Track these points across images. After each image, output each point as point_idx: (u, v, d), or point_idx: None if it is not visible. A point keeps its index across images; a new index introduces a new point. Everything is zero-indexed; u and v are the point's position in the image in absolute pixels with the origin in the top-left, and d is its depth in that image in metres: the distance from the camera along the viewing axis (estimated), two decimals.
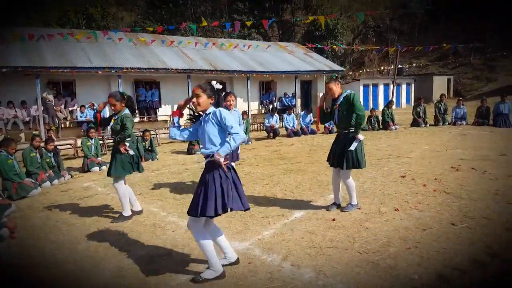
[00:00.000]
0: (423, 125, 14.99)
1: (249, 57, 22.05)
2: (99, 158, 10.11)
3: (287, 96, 21.72)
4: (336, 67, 25.28)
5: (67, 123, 15.80)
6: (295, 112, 18.11)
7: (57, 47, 16.05)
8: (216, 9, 49.51)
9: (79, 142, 13.82)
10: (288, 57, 24.05)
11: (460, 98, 15.86)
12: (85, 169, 9.65)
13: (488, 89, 29.27)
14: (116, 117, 5.36)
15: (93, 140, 10.15)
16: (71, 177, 8.99)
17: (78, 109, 15.66)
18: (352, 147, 5.03)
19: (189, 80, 18.10)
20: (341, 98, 5.14)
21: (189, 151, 11.91)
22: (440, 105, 15.17)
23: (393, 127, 14.84)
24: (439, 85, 29.87)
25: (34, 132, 9.54)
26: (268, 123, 15.42)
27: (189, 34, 29.57)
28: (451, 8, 33.15)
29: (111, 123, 5.40)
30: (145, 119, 17.85)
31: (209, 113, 3.47)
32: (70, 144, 13.03)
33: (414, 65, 36.92)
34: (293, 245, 4.23)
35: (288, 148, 11.99)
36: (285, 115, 15.84)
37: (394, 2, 43.28)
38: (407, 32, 41.74)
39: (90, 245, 4.59)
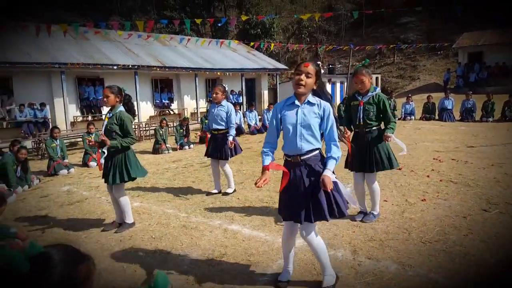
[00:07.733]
0: None
1: (194, 54, 21.62)
2: (66, 160, 9.27)
3: (234, 93, 21.62)
4: (279, 65, 25.64)
5: (4, 123, 14.35)
6: (240, 110, 17.98)
7: None
8: (146, 4, 47.91)
9: (26, 143, 12.70)
10: (232, 55, 23.95)
11: (409, 95, 16.85)
12: (51, 172, 8.81)
13: (412, 87, 31.41)
14: (110, 114, 4.73)
15: (57, 141, 9.28)
16: (39, 181, 8.18)
17: (17, 108, 14.27)
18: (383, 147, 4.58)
19: (136, 76, 17.28)
20: (369, 96, 4.62)
21: (156, 151, 11.39)
22: (390, 102, 15.98)
23: None
24: None
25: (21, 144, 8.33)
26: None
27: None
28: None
29: (105, 122, 4.74)
30: (89, 118, 16.75)
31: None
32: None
33: (338, 64, 38.54)
34: (350, 239, 4.22)
35: (259, 145, 11.94)
36: (247, 112, 15.81)
37: (322, 3, 44.98)
38: (335, 33, 43.60)
39: (128, 252, 4.22)
